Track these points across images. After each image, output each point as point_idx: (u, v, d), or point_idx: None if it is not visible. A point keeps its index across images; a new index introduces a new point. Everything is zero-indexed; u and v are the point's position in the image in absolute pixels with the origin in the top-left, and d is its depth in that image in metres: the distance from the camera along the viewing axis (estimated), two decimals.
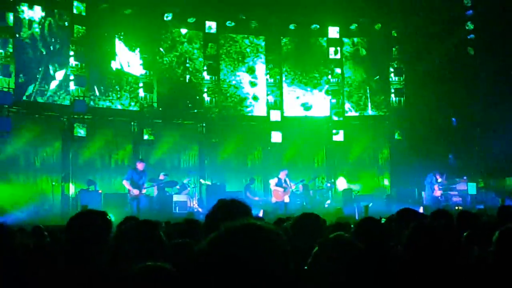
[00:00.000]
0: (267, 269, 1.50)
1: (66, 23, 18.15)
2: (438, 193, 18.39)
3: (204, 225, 2.90)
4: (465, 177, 19.33)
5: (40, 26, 17.63)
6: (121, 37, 19.35)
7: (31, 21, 17.46)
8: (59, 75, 17.96)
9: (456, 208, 17.13)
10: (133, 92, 19.57)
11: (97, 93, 18.82)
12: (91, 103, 18.62)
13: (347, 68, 22.26)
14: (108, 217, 3.38)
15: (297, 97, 21.97)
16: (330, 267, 2.58)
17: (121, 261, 2.87)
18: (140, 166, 16.24)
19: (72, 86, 18.02)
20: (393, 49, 21.92)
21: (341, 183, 21.25)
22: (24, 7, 17.36)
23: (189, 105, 20.62)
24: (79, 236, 3.20)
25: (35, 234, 7.26)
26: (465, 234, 4.35)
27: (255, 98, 21.59)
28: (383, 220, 6.24)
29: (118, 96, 19.32)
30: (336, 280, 2.55)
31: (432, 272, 2.92)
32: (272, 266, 1.51)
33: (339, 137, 21.43)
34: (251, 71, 21.60)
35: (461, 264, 3.03)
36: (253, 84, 21.55)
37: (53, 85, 17.84)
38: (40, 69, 17.52)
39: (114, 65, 19.20)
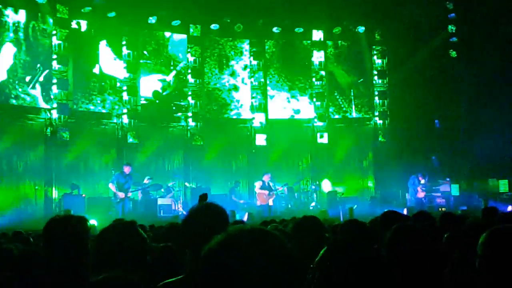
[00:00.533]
0: (276, 275, 1.51)
1: (48, 27, 18.01)
2: (421, 194, 18.53)
3: (182, 231, 2.89)
4: (448, 179, 19.50)
5: (23, 30, 17.49)
6: (105, 40, 19.24)
7: (15, 25, 17.31)
8: (42, 78, 17.81)
9: (440, 209, 17.28)
10: (117, 95, 19.46)
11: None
12: (74, 106, 18.50)
13: (331, 71, 22.32)
14: (85, 221, 3.33)
15: (284, 100, 21.99)
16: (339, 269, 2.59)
17: (103, 264, 2.85)
18: (126, 169, 16.25)
19: (55, 89, 17.90)
20: (376, 51, 22.07)
21: (326, 185, 21.30)
22: (8, 11, 17.21)
23: (173, 108, 20.56)
24: (54, 241, 3.16)
25: (17, 240, 7.18)
26: (445, 235, 4.37)
27: (239, 101, 21.58)
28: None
29: (101, 99, 19.19)
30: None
31: (413, 274, 2.94)
32: (282, 272, 1.52)
33: (323, 139, 21.49)
34: (235, 74, 21.59)
35: (441, 267, 3.05)
36: (236, 88, 21.54)
37: (36, 88, 17.69)
38: (22, 72, 17.37)
39: (98, 68, 19.10)
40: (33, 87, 17.61)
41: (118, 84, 19.46)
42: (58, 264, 3.10)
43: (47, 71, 17.85)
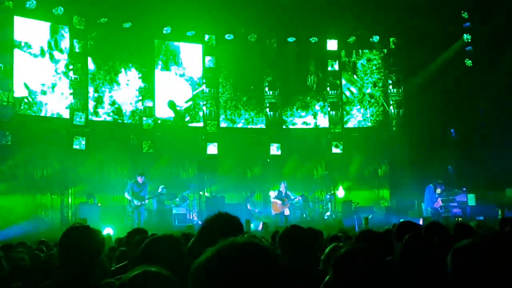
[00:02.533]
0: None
1: (65, 37, 18.23)
2: (438, 204, 18.36)
3: (193, 242, 2.90)
4: (464, 188, 19.31)
5: (39, 39, 17.72)
6: (120, 50, 19.45)
7: (33, 35, 17.57)
8: (59, 88, 18.01)
9: (456, 219, 17.11)
10: (131, 104, 19.60)
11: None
12: (90, 116, 18.67)
13: (346, 80, 22.31)
14: (101, 233, 3.37)
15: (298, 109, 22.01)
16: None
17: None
18: (139, 179, 16.35)
19: (71, 99, 18.08)
20: (391, 60, 22.03)
21: (341, 193, 21.24)
22: (26, 21, 17.46)
23: (188, 118, 20.67)
24: (69, 252, 3.20)
25: (39, 249, 7.25)
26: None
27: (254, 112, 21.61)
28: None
29: (117, 108, 19.34)
30: None
31: (424, 284, 2.93)
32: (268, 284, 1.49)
33: (338, 149, 21.47)
34: None
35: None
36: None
37: (53, 97, 17.89)
38: (39, 82, 17.60)
39: (113, 77, 19.29)
40: (50, 97, 17.79)
41: (134, 94, 19.59)
42: (72, 274, 3.13)
43: (63, 81, 18.04)
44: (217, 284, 1.47)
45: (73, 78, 18.14)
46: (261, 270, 1.49)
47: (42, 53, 17.76)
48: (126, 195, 16.27)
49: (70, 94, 18.09)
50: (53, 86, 17.93)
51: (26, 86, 17.37)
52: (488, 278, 2.59)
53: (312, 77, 22.16)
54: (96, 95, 18.95)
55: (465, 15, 21.24)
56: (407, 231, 4.72)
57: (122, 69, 19.50)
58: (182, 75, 20.76)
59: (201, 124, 20.71)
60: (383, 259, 2.84)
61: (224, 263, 1.50)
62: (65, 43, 18.23)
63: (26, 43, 17.43)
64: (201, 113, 20.76)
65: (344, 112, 22.12)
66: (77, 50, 18.26)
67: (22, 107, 17.33)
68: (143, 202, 16.29)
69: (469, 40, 21.31)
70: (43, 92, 17.72)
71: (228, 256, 1.51)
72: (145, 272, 2.22)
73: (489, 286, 2.56)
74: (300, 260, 3.95)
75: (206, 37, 20.76)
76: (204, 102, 20.74)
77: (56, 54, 18.08)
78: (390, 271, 2.92)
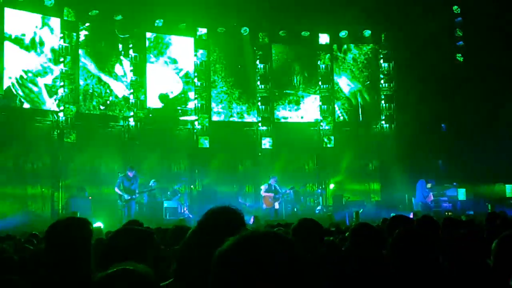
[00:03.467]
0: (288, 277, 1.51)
1: (55, 29, 18.10)
2: (431, 198, 18.44)
3: (196, 232, 2.88)
4: (454, 183, 19.43)
5: (31, 33, 17.59)
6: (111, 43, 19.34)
7: (23, 27, 17.43)
8: (48, 81, 17.89)
9: (446, 214, 17.21)
10: (122, 97, 19.51)
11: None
12: (81, 109, 18.57)
13: (337, 74, 22.32)
14: (88, 224, 3.34)
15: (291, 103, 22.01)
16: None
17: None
18: (130, 173, 16.29)
19: (61, 91, 17.96)
20: (383, 55, 22.06)
21: (332, 187, 21.34)
22: (17, 13, 17.33)
23: (179, 111, 20.61)
24: (57, 244, 3.17)
25: (29, 242, 7.22)
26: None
27: (245, 106, 21.59)
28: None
29: (108, 102, 19.24)
30: None
31: (414, 277, 2.94)
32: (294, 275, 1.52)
33: (330, 143, 21.52)
34: None
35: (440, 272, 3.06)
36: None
37: (44, 90, 17.78)
38: (29, 74, 17.48)
39: (105, 71, 19.18)
40: (39, 90, 17.67)
41: (124, 87, 19.50)
42: (59, 267, 3.11)
43: (52, 74, 17.92)
44: (244, 272, 1.49)
45: (64, 71, 18.00)
46: (287, 259, 1.52)
47: (33, 45, 17.62)
48: (116, 189, 16.19)
49: (61, 86, 17.97)
50: (44, 76, 17.78)
51: (16, 79, 17.23)
52: None
53: (304, 71, 22.15)
54: (87, 88, 18.83)
55: (457, 9, 21.28)
56: (399, 225, 4.74)
57: (113, 62, 19.38)
58: (173, 68, 20.68)
59: (192, 118, 20.64)
60: None
61: (247, 248, 1.53)
62: (55, 35, 18.08)
63: (16, 35, 17.28)
64: (192, 107, 20.68)
65: (336, 106, 22.12)
66: (67, 42, 18.11)
67: (12, 100, 17.19)
68: (133, 196, 16.22)
69: (461, 35, 21.37)
70: (34, 84, 17.59)
71: (251, 242, 1.54)
72: (120, 271, 2.14)
73: None
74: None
75: (198, 30, 20.66)
76: (196, 96, 20.67)
77: (47, 46, 17.94)
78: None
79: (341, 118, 22.22)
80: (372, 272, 3.38)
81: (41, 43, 17.82)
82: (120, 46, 19.47)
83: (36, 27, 17.76)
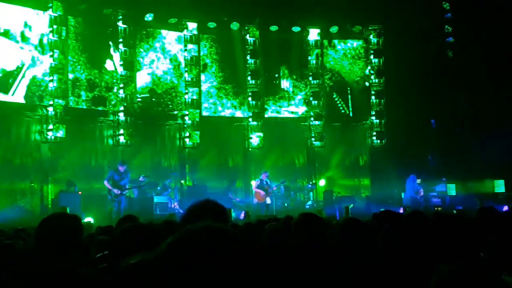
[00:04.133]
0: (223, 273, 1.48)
1: (44, 23, 17.95)
2: (421, 193, 18.52)
3: (180, 227, 2.88)
4: (444, 179, 19.53)
5: (19, 26, 17.45)
6: (100, 37, 19.22)
7: (10, 21, 17.28)
8: (38, 74, 17.76)
9: (436, 209, 17.32)
10: (112, 92, 19.40)
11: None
12: (70, 103, 18.46)
13: (328, 69, 22.35)
14: (79, 220, 3.34)
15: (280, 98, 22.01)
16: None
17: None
18: (121, 167, 16.19)
19: (51, 85, 17.83)
20: (373, 51, 22.09)
21: (323, 184, 21.42)
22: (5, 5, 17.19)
23: (170, 106, 20.55)
24: (47, 239, 3.16)
25: (18, 237, 7.16)
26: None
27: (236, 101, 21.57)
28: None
29: (97, 96, 19.14)
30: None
31: (404, 272, 2.95)
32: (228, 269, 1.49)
33: (319, 138, 21.55)
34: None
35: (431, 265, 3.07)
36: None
37: (32, 84, 17.65)
38: (19, 68, 17.35)
39: (94, 65, 19.08)
40: (29, 83, 17.56)
41: (115, 81, 19.40)
42: (49, 262, 3.10)
43: (43, 68, 17.80)
44: (181, 264, 1.48)
45: (52, 65, 17.86)
46: (223, 252, 1.49)
47: (23, 39, 17.48)
48: (106, 183, 16.10)
49: (50, 81, 17.84)
50: (32, 69, 17.64)
51: (4, 72, 17.09)
52: None
53: (294, 66, 22.15)
54: (76, 82, 18.72)
55: (446, 5, 21.35)
56: (388, 220, 4.76)
57: (103, 56, 19.27)
58: (163, 63, 20.59)
59: (183, 113, 20.57)
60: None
61: (188, 245, 1.51)
62: (44, 29, 17.93)
63: (5, 29, 17.14)
64: (183, 101, 20.62)
65: (326, 102, 22.14)
66: (56, 36, 17.95)
67: (0, 94, 17.06)
68: (123, 191, 16.13)
69: (450, 31, 21.45)
70: (22, 78, 17.46)
71: (187, 239, 1.52)
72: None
73: None
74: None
75: (189, 24, 20.58)
76: (186, 91, 20.60)
77: (35, 40, 17.80)
78: None
79: (331, 113, 22.24)
80: (361, 267, 3.39)
81: (30, 37, 17.67)
82: (110, 40, 19.35)
83: (25, 20, 17.60)
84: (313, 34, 21.91)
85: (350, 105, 22.36)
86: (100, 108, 19.23)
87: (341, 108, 22.34)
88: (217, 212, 2.85)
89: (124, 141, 19.11)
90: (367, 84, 22.26)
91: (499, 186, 18.92)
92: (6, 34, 17.17)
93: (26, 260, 3.63)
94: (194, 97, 20.64)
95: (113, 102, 19.36)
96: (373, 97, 22.11)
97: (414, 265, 3.09)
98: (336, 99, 22.34)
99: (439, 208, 17.39)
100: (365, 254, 3.51)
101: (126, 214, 13.56)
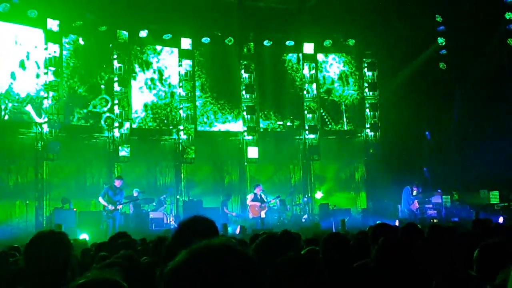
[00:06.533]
0: None
1: (39, 40, 17.99)
2: (415, 206, 18.54)
3: (168, 245, 2.87)
4: (439, 190, 19.56)
5: (12, 42, 17.50)
6: (95, 53, 19.26)
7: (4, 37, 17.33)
8: (33, 91, 17.76)
9: (432, 221, 17.30)
10: (107, 108, 19.39)
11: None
12: (66, 120, 18.44)
13: (322, 83, 22.43)
14: (66, 237, 3.34)
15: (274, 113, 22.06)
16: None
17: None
18: (117, 183, 16.12)
19: (46, 103, 17.82)
20: (367, 64, 22.20)
21: (319, 196, 21.40)
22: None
23: (164, 121, 20.56)
24: (35, 258, 3.16)
25: (12, 255, 7.12)
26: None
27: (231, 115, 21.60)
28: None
29: (92, 113, 19.14)
30: None
31: (397, 284, 2.96)
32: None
33: (313, 151, 21.57)
34: None
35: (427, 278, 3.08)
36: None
37: (27, 101, 17.65)
38: (12, 86, 17.36)
39: (89, 81, 19.10)
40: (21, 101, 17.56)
41: (110, 98, 19.39)
42: (40, 280, 3.09)
43: (36, 84, 17.81)
44: (191, 286, 1.44)
45: (47, 82, 17.86)
46: (235, 272, 1.46)
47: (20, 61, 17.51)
48: (100, 199, 16.00)
49: (45, 98, 17.82)
50: (27, 87, 17.65)
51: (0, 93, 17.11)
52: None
53: (289, 80, 22.23)
54: (71, 99, 18.71)
55: (439, 18, 21.52)
56: (383, 233, 4.75)
57: (97, 73, 19.30)
58: (158, 79, 20.64)
59: (178, 128, 20.58)
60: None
61: (197, 265, 1.47)
62: (39, 46, 17.96)
63: None
64: (178, 117, 20.64)
65: (321, 115, 22.19)
66: (51, 53, 17.97)
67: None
68: (117, 207, 15.98)
69: (443, 44, 21.60)
70: (17, 96, 17.46)
71: (201, 257, 1.49)
72: (92, 281, 2.10)
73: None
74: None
75: (183, 40, 20.65)
76: (181, 106, 20.62)
77: (31, 57, 17.82)
78: None
79: (327, 126, 22.29)
80: (342, 282, 3.39)
81: (26, 55, 17.69)
82: (105, 57, 19.39)
83: (20, 37, 17.64)
84: (308, 48, 21.97)
85: (345, 118, 22.41)
86: (95, 125, 19.19)
87: (336, 121, 22.36)
88: (208, 228, 2.85)
89: (120, 156, 19.05)
90: (361, 97, 22.31)
91: (494, 197, 18.96)
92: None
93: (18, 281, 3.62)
94: (189, 112, 20.67)
95: (107, 118, 19.33)
96: (367, 110, 22.18)
97: (409, 277, 3.09)
98: (331, 112, 22.37)
99: (435, 220, 17.39)
100: (347, 268, 3.52)
101: (121, 230, 13.52)
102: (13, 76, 17.37)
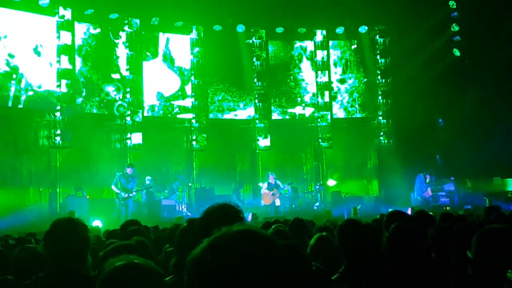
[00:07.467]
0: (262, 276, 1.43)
1: (50, 29, 18.02)
2: (429, 193, 18.45)
3: (197, 231, 2.89)
4: (452, 178, 19.45)
5: (26, 31, 17.54)
6: (106, 41, 19.28)
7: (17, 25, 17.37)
8: (46, 79, 17.83)
9: (445, 208, 17.24)
10: (119, 96, 19.43)
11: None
12: (78, 108, 18.51)
13: (334, 70, 22.31)
14: (84, 224, 3.35)
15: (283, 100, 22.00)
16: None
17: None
18: (129, 170, 16.18)
19: (59, 91, 17.88)
20: (380, 51, 22.02)
21: (331, 184, 21.36)
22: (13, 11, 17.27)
23: (176, 109, 20.58)
24: (56, 245, 3.19)
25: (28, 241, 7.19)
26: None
27: (242, 102, 21.57)
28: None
29: (105, 101, 19.19)
30: None
31: (411, 273, 2.94)
32: (267, 273, 1.44)
33: (326, 139, 21.51)
34: None
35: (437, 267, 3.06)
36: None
37: (41, 89, 17.72)
38: (26, 74, 17.44)
39: (101, 69, 19.14)
40: (35, 88, 17.63)
41: (121, 85, 19.43)
42: (61, 266, 3.13)
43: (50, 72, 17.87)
44: (214, 275, 1.43)
45: (60, 70, 17.93)
46: (258, 257, 1.45)
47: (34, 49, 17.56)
48: (113, 187, 16.09)
49: (57, 86, 17.89)
50: (40, 75, 17.73)
51: (14, 79, 17.18)
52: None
53: (300, 67, 22.14)
54: (83, 86, 18.77)
55: (453, 4, 21.28)
56: (396, 220, 4.73)
57: (109, 60, 19.33)
58: (170, 66, 20.64)
59: (190, 116, 20.61)
60: None
61: (218, 252, 1.46)
62: (52, 35, 18.00)
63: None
64: (189, 105, 20.64)
65: (333, 103, 22.11)
66: (63, 41, 18.03)
67: (9, 101, 17.14)
68: (130, 195, 16.05)
69: (457, 30, 21.38)
70: (30, 84, 17.53)
71: (222, 245, 1.47)
72: (127, 265, 2.08)
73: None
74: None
75: (194, 28, 20.60)
76: (193, 94, 20.63)
77: (43, 45, 17.87)
78: None
79: (339, 114, 22.21)
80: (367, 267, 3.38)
81: (38, 43, 17.74)
82: (116, 44, 19.42)
83: (31, 26, 17.68)
84: (319, 35, 21.86)
85: (357, 105, 22.30)
86: (106, 112, 19.26)
87: (348, 108, 22.26)
88: (234, 216, 2.84)
89: (131, 144, 19.14)
90: (374, 84, 22.17)
91: (508, 184, 18.83)
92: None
93: (39, 263, 3.67)
94: (201, 100, 20.67)
95: (119, 106, 19.38)
96: (380, 97, 22.05)
97: (420, 264, 3.08)
98: (343, 99, 22.27)
99: (447, 208, 17.31)
100: (366, 254, 3.50)
101: (134, 217, 13.60)
102: (25, 64, 17.43)
